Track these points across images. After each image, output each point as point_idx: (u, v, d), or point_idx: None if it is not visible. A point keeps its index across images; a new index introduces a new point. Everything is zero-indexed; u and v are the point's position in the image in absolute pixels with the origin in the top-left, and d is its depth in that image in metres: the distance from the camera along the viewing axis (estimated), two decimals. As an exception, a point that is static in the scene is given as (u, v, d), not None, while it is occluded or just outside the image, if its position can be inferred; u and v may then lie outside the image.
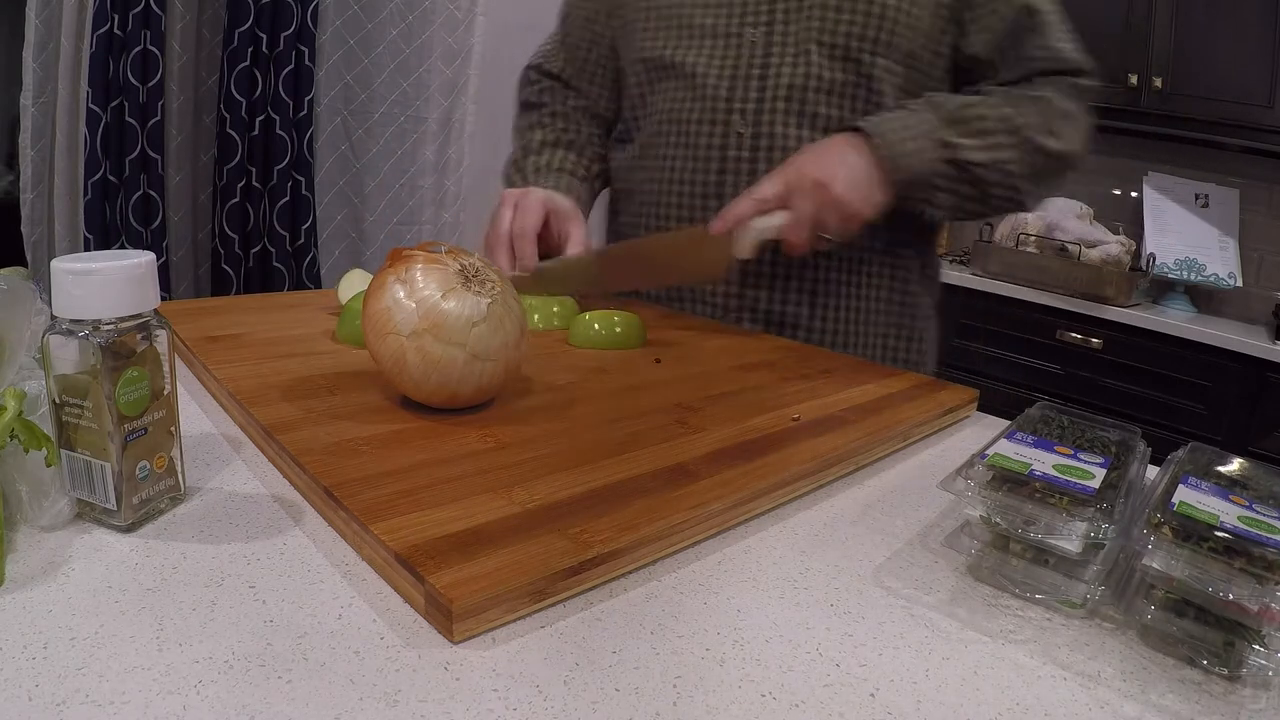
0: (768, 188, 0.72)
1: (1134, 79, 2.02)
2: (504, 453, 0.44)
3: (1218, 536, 0.34)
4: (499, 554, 0.34)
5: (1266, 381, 1.80)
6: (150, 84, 1.59)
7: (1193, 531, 0.34)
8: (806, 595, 0.37)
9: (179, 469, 0.39)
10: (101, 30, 1.52)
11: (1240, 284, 2.07)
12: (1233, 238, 2.11)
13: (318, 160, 1.91)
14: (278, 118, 1.79)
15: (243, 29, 1.69)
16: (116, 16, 1.53)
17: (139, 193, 1.63)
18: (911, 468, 0.54)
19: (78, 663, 0.27)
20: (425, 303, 0.46)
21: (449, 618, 0.31)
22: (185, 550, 0.35)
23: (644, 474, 0.43)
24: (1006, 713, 0.30)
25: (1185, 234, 2.13)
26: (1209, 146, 2.09)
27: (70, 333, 0.34)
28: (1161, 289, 2.15)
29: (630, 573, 0.37)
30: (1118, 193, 2.33)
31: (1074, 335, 2.03)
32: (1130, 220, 2.25)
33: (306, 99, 1.81)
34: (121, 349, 0.35)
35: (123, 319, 0.35)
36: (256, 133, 1.77)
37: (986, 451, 0.41)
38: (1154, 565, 0.34)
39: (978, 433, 0.62)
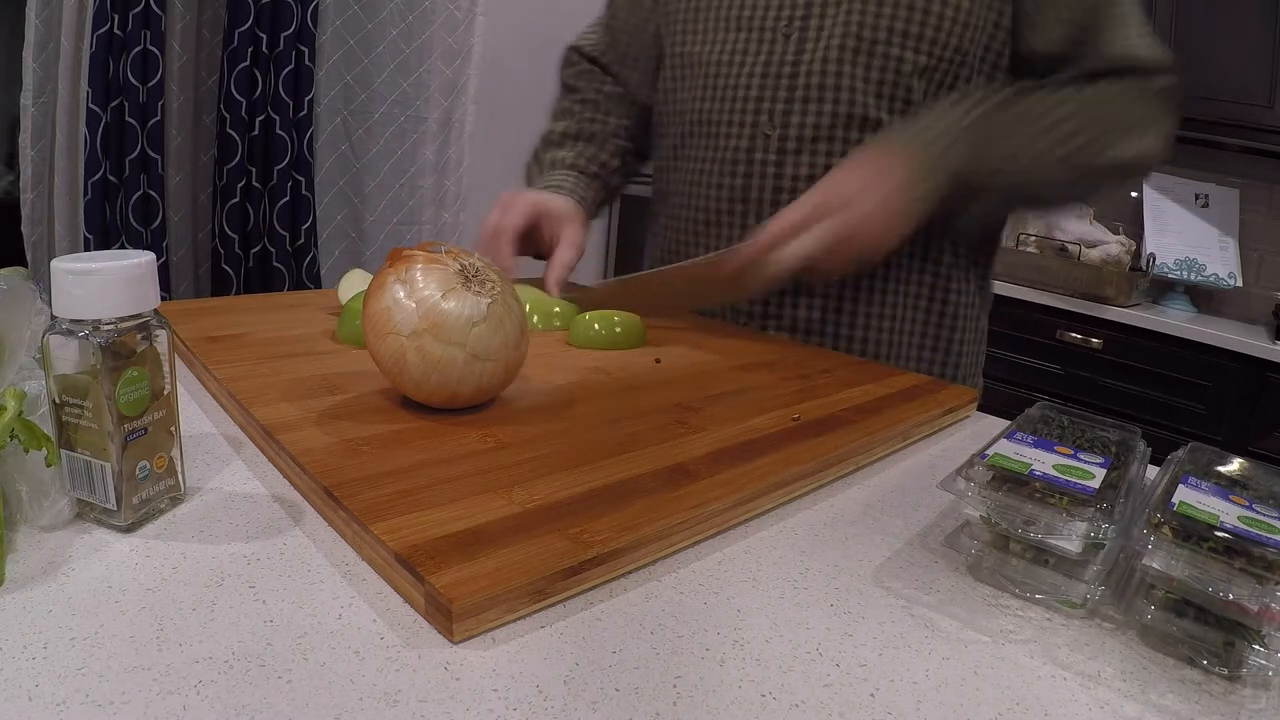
0: (798, 211, 0.66)
1: (1134, 79, 2.02)
2: (504, 453, 0.44)
3: (1218, 536, 0.34)
4: (499, 554, 0.34)
5: (1266, 381, 1.80)
6: (150, 84, 1.59)
7: (1193, 531, 0.34)
8: (806, 595, 0.37)
9: (179, 469, 0.39)
10: (101, 30, 1.52)
11: (1240, 284, 2.07)
12: (1233, 238, 2.11)
13: (318, 160, 1.91)
14: (278, 118, 1.79)
15: (243, 29, 1.69)
16: (116, 16, 1.53)
17: (139, 193, 1.63)
18: (911, 468, 0.54)
19: (78, 663, 0.27)
20: (425, 303, 0.46)
21: (449, 618, 0.31)
22: (185, 550, 0.35)
23: (644, 474, 0.43)
24: (1006, 713, 0.30)
25: (1185, 234, 2.13)
26: (1209, 146, 2.09)
27: (70, 333, 0.34)
28: (1161, 289, 2.15)
29: (630, 573, 0.37)
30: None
31: (1074, 335, 2.03)
32: (1130, 220, 2.25)
33: (306, 99, 1.81)
34: (121, 349, 0.35)
35: (123, 319, 0.35)
36: (256, 133, 1.77)
37: (986, 451, 0.41)
38: (1154, 565, 0.34)
39: (978, 433, 0.62)
